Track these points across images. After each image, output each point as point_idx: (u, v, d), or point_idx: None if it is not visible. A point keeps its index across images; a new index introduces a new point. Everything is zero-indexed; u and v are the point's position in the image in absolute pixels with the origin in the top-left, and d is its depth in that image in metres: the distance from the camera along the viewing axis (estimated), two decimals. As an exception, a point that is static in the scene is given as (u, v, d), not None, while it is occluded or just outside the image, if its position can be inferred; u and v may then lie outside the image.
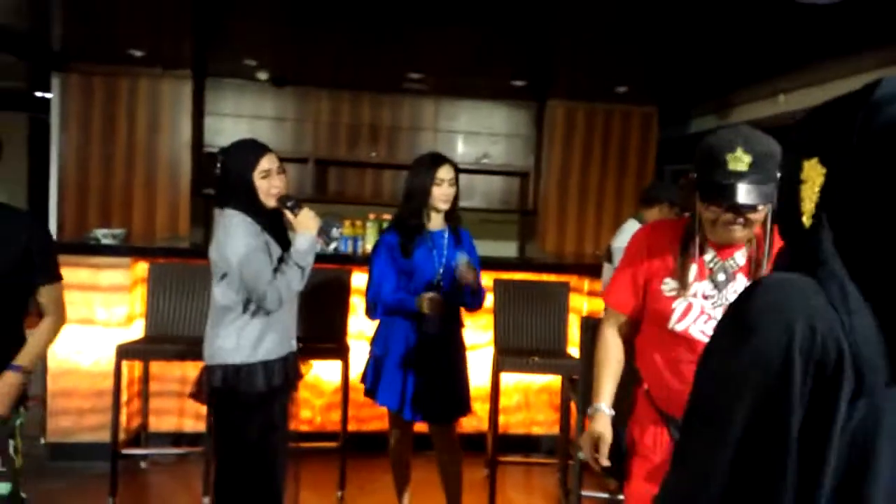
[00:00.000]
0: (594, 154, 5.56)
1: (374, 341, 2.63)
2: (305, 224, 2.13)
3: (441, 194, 2.52)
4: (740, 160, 1.40)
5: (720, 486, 0.74)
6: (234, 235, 2.08)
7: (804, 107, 4.58)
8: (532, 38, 5.06)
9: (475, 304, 2.64)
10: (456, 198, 2.57)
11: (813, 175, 0.77)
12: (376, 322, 2.65)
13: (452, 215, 2.60)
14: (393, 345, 2.55)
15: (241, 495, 2.23)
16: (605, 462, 1.64)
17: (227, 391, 2.15)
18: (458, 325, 2.65)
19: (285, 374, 2.23)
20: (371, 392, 2.60)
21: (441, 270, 2.52)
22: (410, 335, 2.54)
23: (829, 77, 4.38)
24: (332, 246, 2.13)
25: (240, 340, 2.13)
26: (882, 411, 0.72)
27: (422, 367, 2.52)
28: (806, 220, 0.78)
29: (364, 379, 2.63)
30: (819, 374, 0.71)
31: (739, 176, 1.40)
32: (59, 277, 1.99)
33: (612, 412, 1.67)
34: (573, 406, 2.98)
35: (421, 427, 2.69)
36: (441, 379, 2.55)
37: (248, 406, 2.17)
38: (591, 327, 2.48)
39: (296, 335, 2.31)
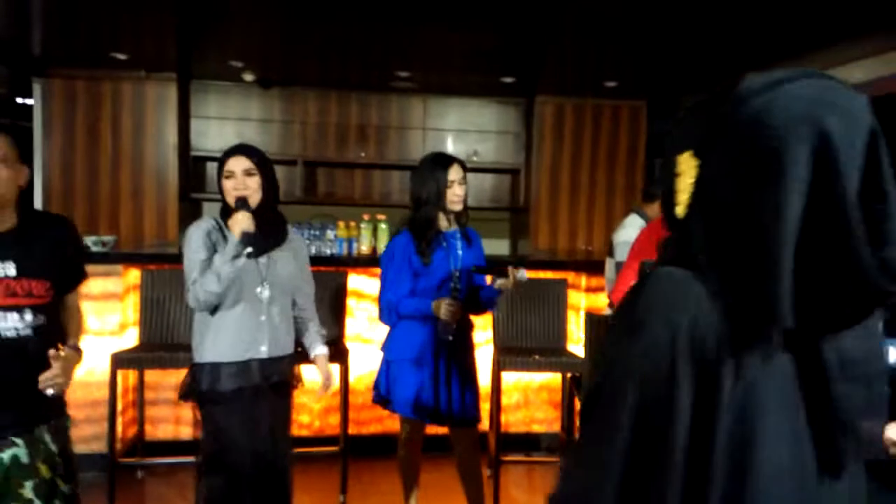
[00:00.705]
0: (584, 149, 5.56)
1: (387, 346, 2.57)
2: (231, 226, 2.11)
3: (454, 196, 2.48)
4: None
5: (615, 473, 0.78)
6: (187, 233, 2.18)
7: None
8: (519, 35, 5.05)
9: (487, 308, 2.63)
10: (465, 196, 2.55)
11: (686, 168, 0.82)
12: (386, 326, 2.59)
13: (463, 215, 2.57)
14: (406, 349, 2.50)
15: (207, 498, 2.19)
16: None
17: (191, 390, 2.20)
18: (470, 326, 2.62)
19: (244, 379, 2.14)
20: (385, 399, 2.54)
21: (457, 273, 2.46)
22: (424, 339, 2.48)
23: (822, 67, 4.41)
24: (247, 251, 2.11)
25: (195, 339, 2.19)
26: (757, 387, 0.76)
27: (438, 370, 2.48)
28: (680, 211, 0.83)
29: (377, 385, 2.58)
30: (702, 361, 0.76)
31: None
32: (85, 277, 2.08)
33: None
34: (577, 403, 2.97)
35: (430, 429, 2.66)
36: (459, 381, 2.51)
37: (204, 406, 2.19)
38: (595, 323, 2.48)
39: (268, 342, 2.19)
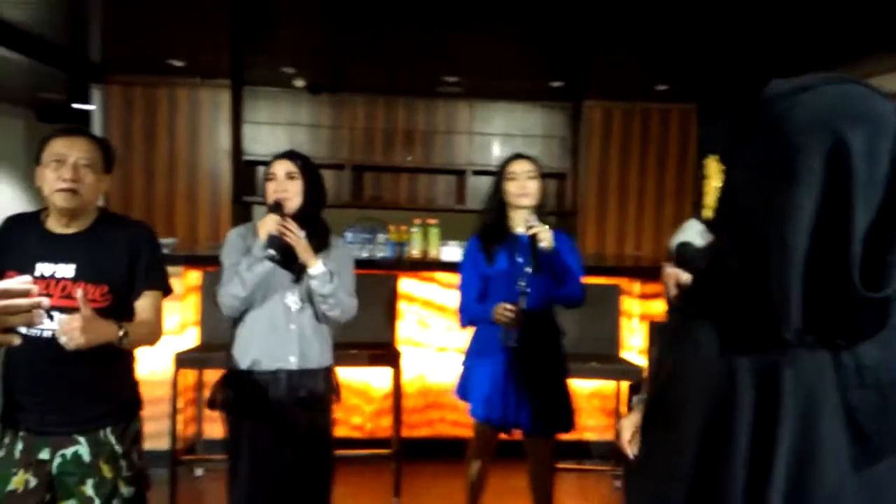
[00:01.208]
0: (632, 154, 5.50)
1: (467, 350, 2.57)
2: (259, 229, 2.10)
3: (516, 188, 2.43)
4: None
5: (684, 484, 0.80)
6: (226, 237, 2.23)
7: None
8: (568, 39, 5.03)
9: (572, 295, 2.45)
10: (542, 197, 2.49)
11: (713, 171, 0.84)
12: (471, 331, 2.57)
13: (541, 215, 2.47)
14: (479, 353, 2.48)
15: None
16: (627, 451, 1.60)
17: (217, 399, 2.21)
18: (555, 332, 2.54)
19: (271, 390, 2.12)
20: (465, 400, 2.55)
21: (528, 275, 2.35)
22: (496, 343, 2.43)
23: (877, 71, 4.29)
24: (269, 253, 2.07)
25: (231, 348, 2.19)
26: (813, 391, 0.78)
27: (510, 376, 2.42)
28: (708, 214, 0.85)
29: (457, 388, 2.58)
30: (760, 365, 0.79)
31: None
32: (161, 286, 1.94)
33: None
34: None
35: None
36: (532, 389, 2.42)
37: (230, 415, 2.19)
38: (657, 330, 2.44)
39: (297, 353, 2.16)
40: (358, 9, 4.47)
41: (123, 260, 1.83)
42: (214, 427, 3.54)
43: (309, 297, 2.17)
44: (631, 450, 1.61)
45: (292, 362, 2.13)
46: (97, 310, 1.75)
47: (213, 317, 3.26)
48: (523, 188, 2.43)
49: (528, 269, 2.34)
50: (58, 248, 1.78)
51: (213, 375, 3.44)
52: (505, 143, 5.83)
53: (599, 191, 5.49)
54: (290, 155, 2.19)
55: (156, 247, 1.95)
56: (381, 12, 4.54)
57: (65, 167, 1.75)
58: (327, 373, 2.25)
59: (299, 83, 5.50)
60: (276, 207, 2.11)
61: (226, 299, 2.09)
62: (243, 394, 2.13)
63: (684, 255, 1.45)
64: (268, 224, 2.07)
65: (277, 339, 2.12)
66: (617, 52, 4.91)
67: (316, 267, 2.10)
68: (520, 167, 2.46)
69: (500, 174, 2.50)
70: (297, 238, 2.09)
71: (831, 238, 0.74)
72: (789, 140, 0.75)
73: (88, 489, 1.79)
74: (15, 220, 1.87)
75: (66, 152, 1.75)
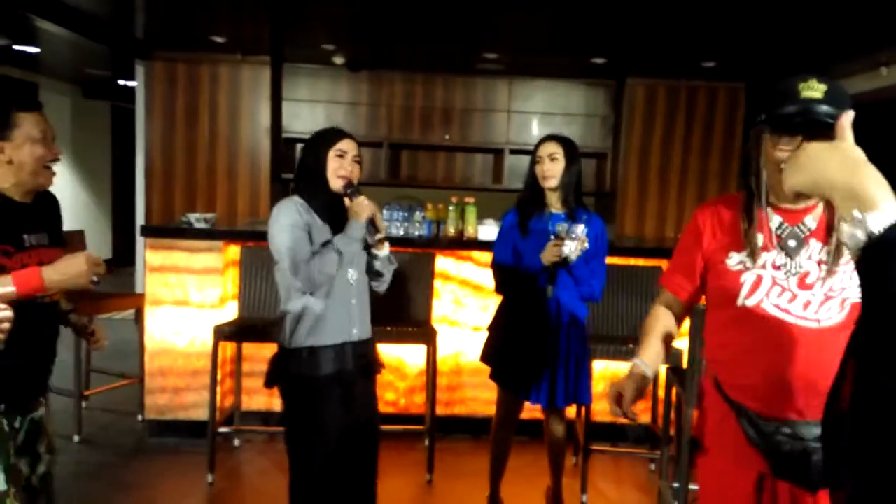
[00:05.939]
0: (676, 133, 5.35)
1: (493, 321, 2.70)
2: (356, 211, 2.10)
3: (540, 171, 2.54)
4: (814, 88, 1.29)
5: None
6: (278, 212, 2.11)
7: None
8: (611, 13, 4.89)
9: (588, 296, 2.59)
10: (575, 178, 2.55)
11: None
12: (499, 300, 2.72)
13: (569, 196, 2.55)
14: (510, 326, 2.61)
15: (305, 486, 2.14)
16: (628, 414, 1.50)
17: (281, 376, 2.16)
18: (578, 312, 2.62)
19: (340, 362, 2.12)
20: (492, 373, 2.66)
21: (562, 229, 2.48)
22: (529, 316, 2.55)
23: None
24: (378, 237, 2.15)
25: (288, 325, 2.13)
26: None
27: (539, 349, 2.54)
28: None
29: (483, 358, 2.71)
30: None
31: (814, 102, 1.28)
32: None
33: (650, 370, 1.54)
34: (674, 395, 2.89)
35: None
36: (558, 363, 2.55)
37: (297, 391, 2.15)
38: (698, 313, 2.38)
39: (358, 325, 2.18)
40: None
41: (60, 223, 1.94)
42: (253, 399, 3.60)
43: (368, 271, 2.23)
44: (626, 412, 1.51)
45: (355, 334, 2.17)
46: None
47: (252, 290, 3.31)
48: (547, 171, 2.53)
49: (563, 226, 2.44)
50: (31, 218, 1.80)
51: (252, 348, 3.51)
52: (544, 122, 5.74)
53: (640, 171, 5.37)
54: (351, 136, 2.20)
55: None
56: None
57: (48, 142, 1.75)
58: (374, 342, 2.31)
59: (338, 60, 5.49)
60: (358, 190, 2.15)
61: (322, 278, 2.05)
62: (316, 370, 2.10)
63: None
64: (367, 208, 2.11)
65: (343, 314, 2.14)
66: (662, 26, 4.75)
67: (384, 249, 2.22)
68: (544, 150, 2.55)
69: (533, 155, 2.60)
70: (383, 223, 2.21)
71: None
72: None
73: (41, 447, 1.87)
74: None
75: (45, 128, 1.76)
